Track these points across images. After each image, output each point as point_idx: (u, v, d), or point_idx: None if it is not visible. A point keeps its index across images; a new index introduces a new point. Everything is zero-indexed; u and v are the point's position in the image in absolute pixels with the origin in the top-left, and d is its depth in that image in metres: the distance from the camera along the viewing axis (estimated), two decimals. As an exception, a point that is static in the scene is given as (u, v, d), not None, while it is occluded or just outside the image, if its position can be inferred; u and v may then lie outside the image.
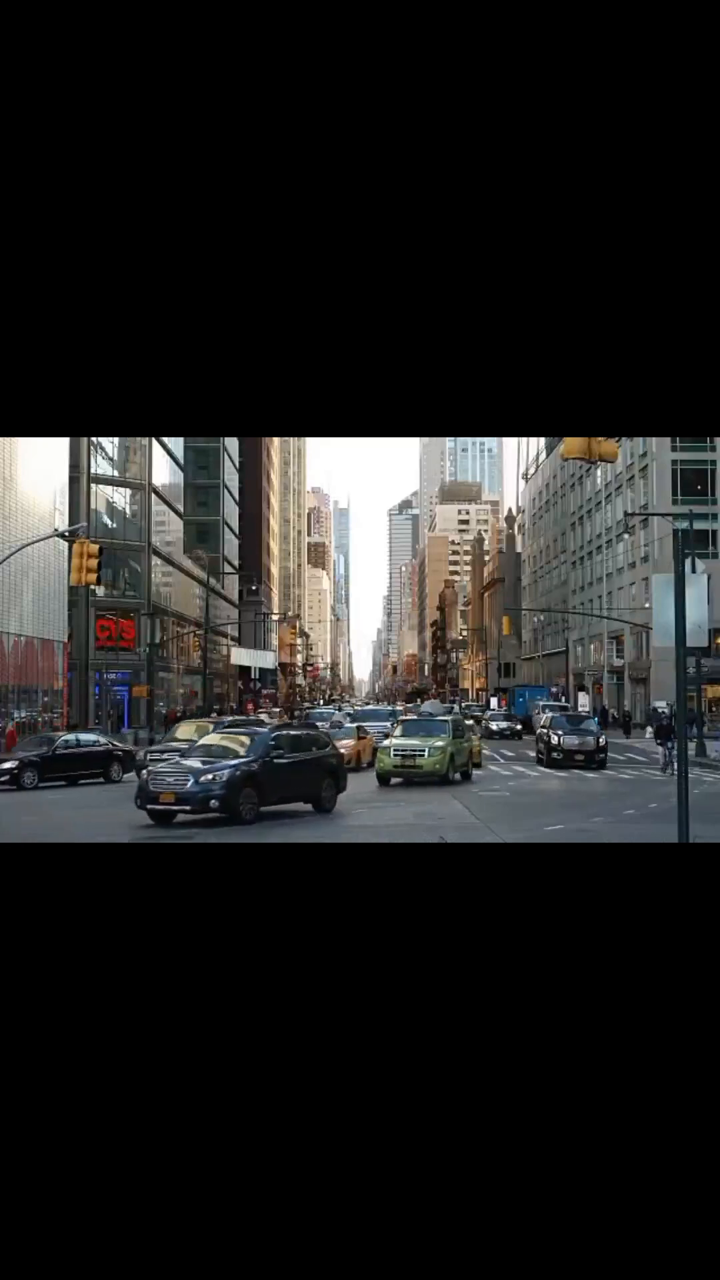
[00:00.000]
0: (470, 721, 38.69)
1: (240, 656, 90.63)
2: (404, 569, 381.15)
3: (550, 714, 39.12)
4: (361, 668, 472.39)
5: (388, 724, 35.94)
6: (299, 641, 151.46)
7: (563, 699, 63.12)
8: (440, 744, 25.44)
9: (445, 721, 28.11)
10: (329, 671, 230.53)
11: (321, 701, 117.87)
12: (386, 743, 26.70)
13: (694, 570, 14.16)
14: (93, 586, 38.47)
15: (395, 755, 25.23)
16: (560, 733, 31.76)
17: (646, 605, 42.09)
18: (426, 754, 24.92)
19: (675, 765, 24.17)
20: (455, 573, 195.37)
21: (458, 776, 25.90)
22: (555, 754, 31.15)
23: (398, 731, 28.02)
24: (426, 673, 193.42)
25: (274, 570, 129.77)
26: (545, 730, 33.40)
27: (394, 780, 25.02)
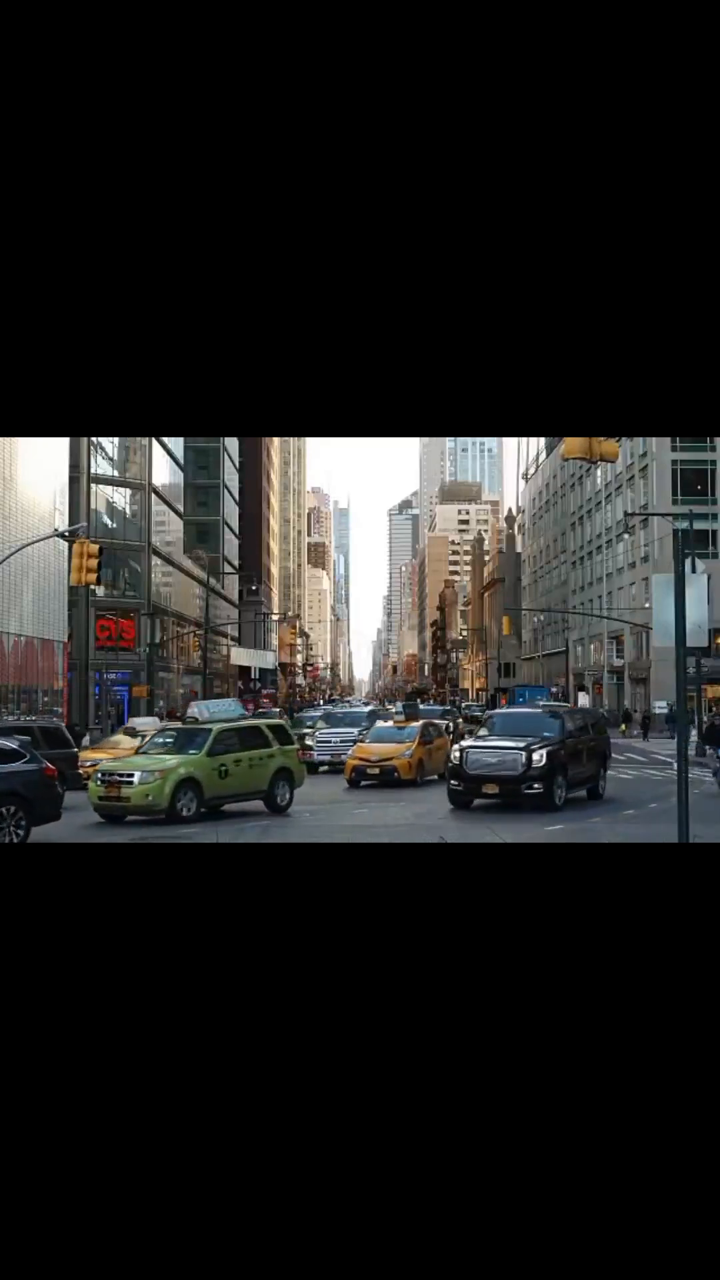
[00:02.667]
0: (416, 725, 26.74)
1: (240, 656, 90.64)
2: (404, 569, 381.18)
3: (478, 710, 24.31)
4: (361, 668, 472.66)
5: (354, 731, 28.46)
6: (299, 641, 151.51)
7: (562, 699, 63.08)
8: (160, 767, 17.43)
9: (206, 731, 18.60)
10: (329, 671, 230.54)
11: (321, 701, 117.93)
12: (103, 764, 19.60)
13: (694, 570, 14.16)
14: (93, 586, 38.44)
15: (100, 782, 17.53)
16: (479, 745, 19.25)
17: (646, 605, 42.06)
18: (137, 780, 17.13)
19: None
20: (455, 573, 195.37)
21: (201, 809, 17.47)
22: (455, 783, 18.88)
23: (151, 744, 19.84)
24: (426, 673, 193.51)
25: (274, 570, 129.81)
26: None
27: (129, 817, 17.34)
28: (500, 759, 18.49)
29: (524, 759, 18.20)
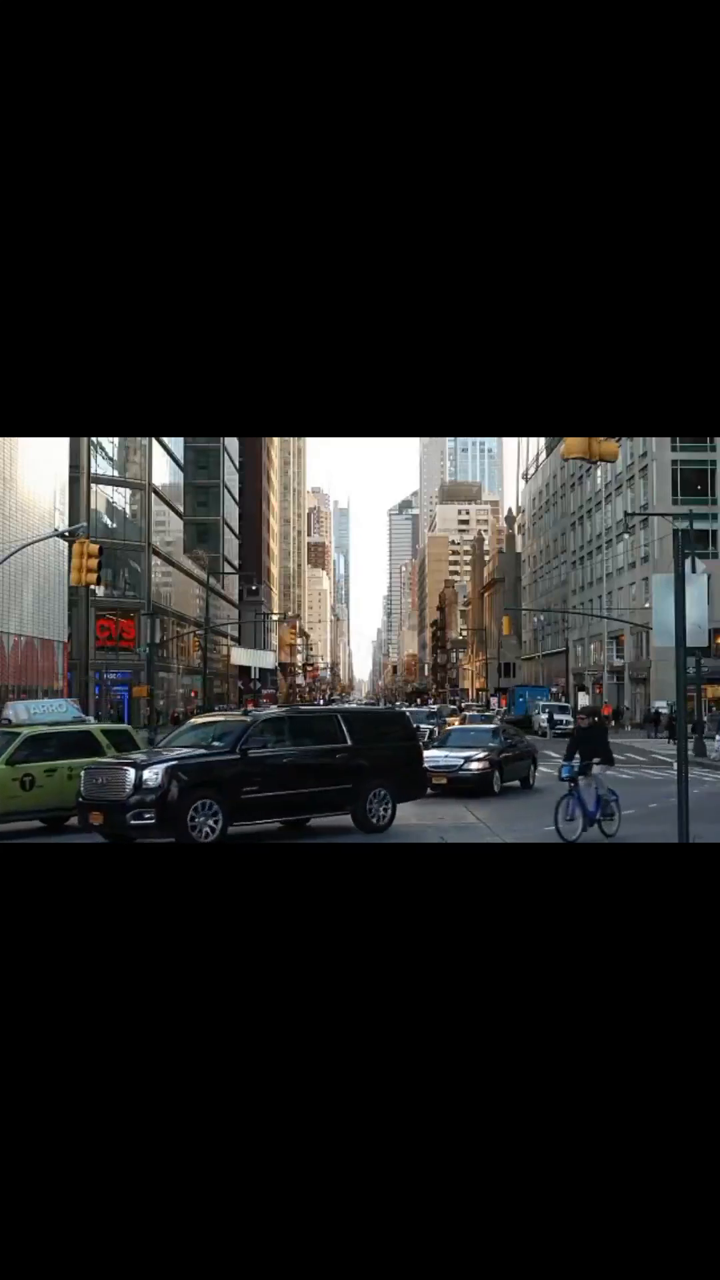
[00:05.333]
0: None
1: (240, 656, 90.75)
2: (404, 569, 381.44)
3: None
4: (361, 668, 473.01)
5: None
6: (299, 641, 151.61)
7: (562, 699, 63.07)
8: None
9: (15, 735, 15.61)
10: (329, 671, 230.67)
11: (321, 701, 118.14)
12: None
13: (694, 570, 14.15)
14: (93, 586, 38.44)
15: None
16: (101, 762, 14.69)
17: (646, 605, 42.07)
18: None
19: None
20: (455, 573, 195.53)
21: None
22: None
23: None
24: (426, 673, 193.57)
25: (274, 570, 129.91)
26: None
27: None
28: (109, 779, 13.42)
29: (131, 779, 13.11)
